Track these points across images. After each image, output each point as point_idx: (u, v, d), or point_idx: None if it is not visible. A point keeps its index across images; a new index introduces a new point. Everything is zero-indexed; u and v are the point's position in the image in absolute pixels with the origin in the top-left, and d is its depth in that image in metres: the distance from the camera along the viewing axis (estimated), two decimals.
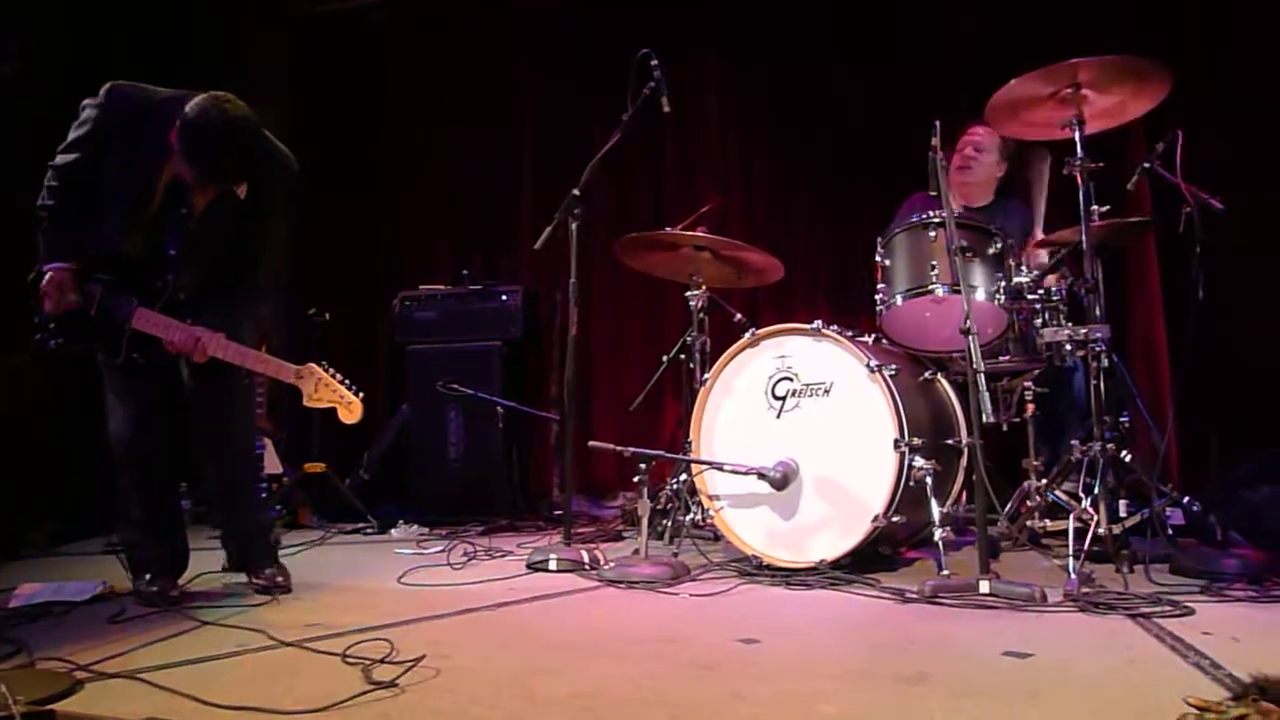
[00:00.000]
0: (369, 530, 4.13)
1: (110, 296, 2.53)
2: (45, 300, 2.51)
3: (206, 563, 2.87)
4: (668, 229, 3.56)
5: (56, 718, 1.45)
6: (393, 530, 4.07)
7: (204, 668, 1.91)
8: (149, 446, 2.67)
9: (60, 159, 2.53)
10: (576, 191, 3.22)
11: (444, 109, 5.45)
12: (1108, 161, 3.00)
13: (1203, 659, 1.82)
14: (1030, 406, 3.25)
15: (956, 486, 3.08)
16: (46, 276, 2.50)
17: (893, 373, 2.78)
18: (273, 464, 4.44)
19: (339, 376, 2.65)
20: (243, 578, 2.79)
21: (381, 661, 1.85)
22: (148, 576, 2.65)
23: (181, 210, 2.56)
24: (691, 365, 3.59)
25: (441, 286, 4.70)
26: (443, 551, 3.39)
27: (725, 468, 2.94)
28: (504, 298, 4.53)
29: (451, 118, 5.43)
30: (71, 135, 2.54)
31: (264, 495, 3.80)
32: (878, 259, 3.16)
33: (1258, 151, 3.76)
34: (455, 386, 4.26)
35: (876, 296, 3.15)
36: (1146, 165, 3.02)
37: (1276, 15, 3.82)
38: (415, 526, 4.10)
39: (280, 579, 2.74)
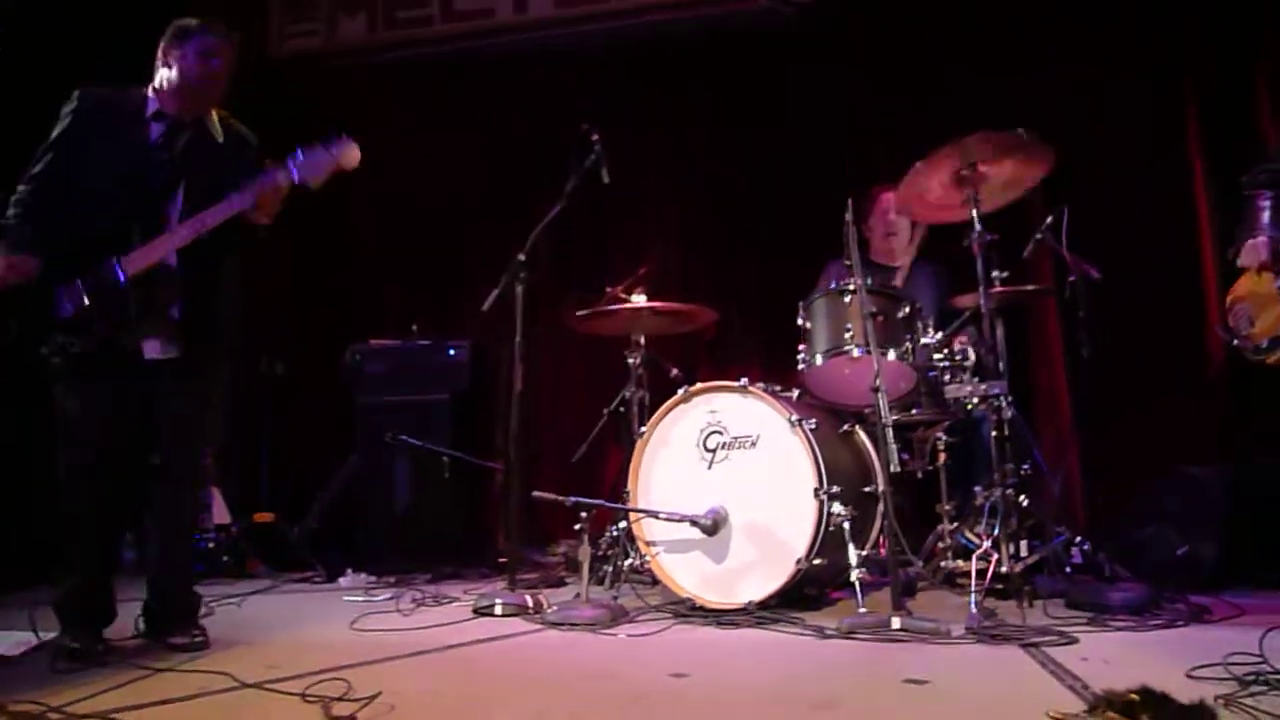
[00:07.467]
0: (317, 579, 4.19)
1: (94, 278, 2.55)
2: None
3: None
4: (609, 289, 3.77)
5: None
6: (341, 579, 4.13)
7: (173, 708, 2.03)
8: (108, 483, 2.61)
9: (22, 182, 2.61)
10: (522, 256, 3.43)
11: (395, 159, 5.62)
12: (1010, 231, 3.31)
13: (1076, 681, 2.06)
14: (943, 455, 3.50)
15: (875, 530, 3.29)
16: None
17: (813, 426, 3.02)
18: (221, 513, 4.48)
19: None
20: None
21: (340, 699, 1.98)
22: (68, 631, 2.54)
23: (163, 156, 2.68)
24: (631, 418, 3.81)
25: (391, 341, 4.82)
26: (392, 599, 3.50)
27: (660, 515, 3.14)
28: (452, 352, 4.67)
29: (404, 167, 5.61)
30: (50, 138, 2.65)
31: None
32: (800, 321, 3.42)
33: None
34: (404, 439, 4.38)
35: (799, 355, 3.40)
36: (1039, 236, 3.38)
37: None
38: (364, 575, 4.15)
39: (199, 637, 2.67)
